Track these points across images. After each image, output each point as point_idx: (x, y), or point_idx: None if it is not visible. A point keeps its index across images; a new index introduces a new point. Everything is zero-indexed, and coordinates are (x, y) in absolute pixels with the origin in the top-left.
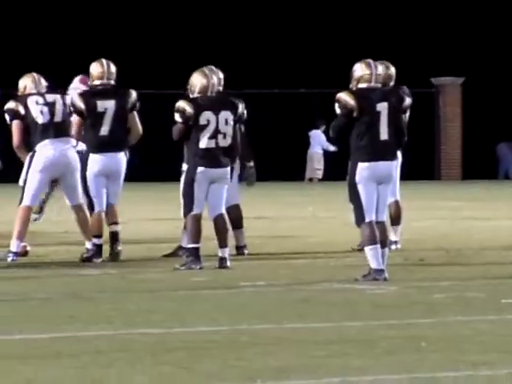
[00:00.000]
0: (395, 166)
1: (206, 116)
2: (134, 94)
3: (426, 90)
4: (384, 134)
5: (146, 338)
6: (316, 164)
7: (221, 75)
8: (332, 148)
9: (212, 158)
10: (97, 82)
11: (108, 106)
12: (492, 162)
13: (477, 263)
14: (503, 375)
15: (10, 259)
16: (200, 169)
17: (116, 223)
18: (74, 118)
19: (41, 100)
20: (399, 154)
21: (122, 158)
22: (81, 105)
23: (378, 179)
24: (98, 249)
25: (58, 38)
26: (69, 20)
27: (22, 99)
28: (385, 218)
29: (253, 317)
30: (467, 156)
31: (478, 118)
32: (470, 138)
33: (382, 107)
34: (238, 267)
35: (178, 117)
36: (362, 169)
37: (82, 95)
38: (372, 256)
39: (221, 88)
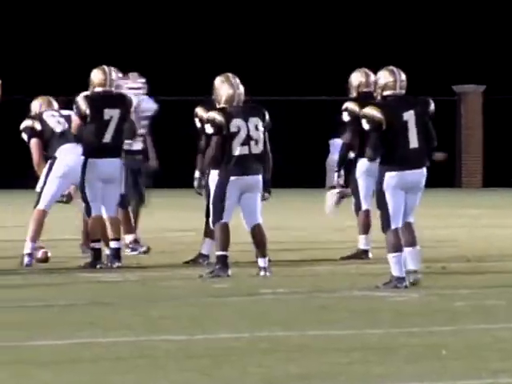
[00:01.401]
0: (425, 173)
1: (236, 123)
2: (132, 101)
3: (447, 98)
4: (413, 143)
5: (167, 344)
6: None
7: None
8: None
9: (245, 166)
10: (98, 89)
11: (113, 114)
12: None
13: (497, 271)
14: None
15: (25, 262)
16: (233, 178)
17: (118, 239)
18: (75, 120)
19: (56, 113)
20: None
21: (119, 164)
22: (86, 110)
23: (406, 187)
24: (98, 253)
25: (67, 47)
26: (80, 29)
27: (37, 116)
28: (412, 219)
29: (273, 324)
30: (488, 164)
31: (500, 126)
32: (491, 146)
33: (409, 115)
34: (257, 275)
35: (209, 127)
36: (390, 177)
37: (90, 101)
38: (395, 263)
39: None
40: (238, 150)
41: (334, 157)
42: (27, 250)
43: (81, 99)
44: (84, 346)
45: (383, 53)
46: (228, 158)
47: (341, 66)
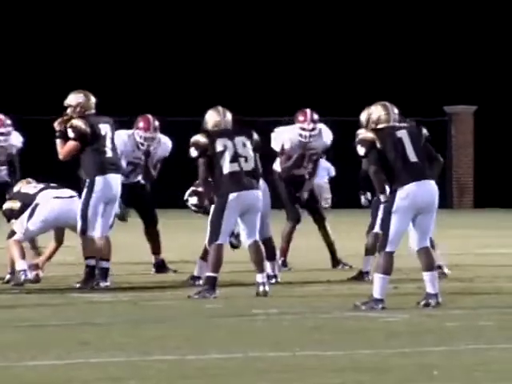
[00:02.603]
0: (436, 190)
1: (222, 142)
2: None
3: (439, 119)
4: (413, 158)
5: (160, 364)
6: (325, 193)
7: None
8: (333, 173)
9: (239, 182)
10: (87, 112)
11: (106, 129)
12: (506, 190)
13: (488, 292)
14: None
15: (21, 279)
16: (232, 195)
17: (107, 260)
18: (70, 144)
19: None
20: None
21: (119, 182)
22: (86, 129)
23: (418, 207)
24: (92, 270)
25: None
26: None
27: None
28: (427, 243)
29: (266, 344)
30: (479, 184)
31: (491, 146)
32: (482, 166)
33: (402, 133)
34: (250, 295)
35: (193, 150)
36: (401, 199)
37: (85, 119)
38: (378, 285)
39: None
40: (228, 168)
41: (321, 179)
42: (20, 267)
43: (79, 122)
44: (76, 367)
45: (376, 75)
46: (220, 177)
47: (334, 88)
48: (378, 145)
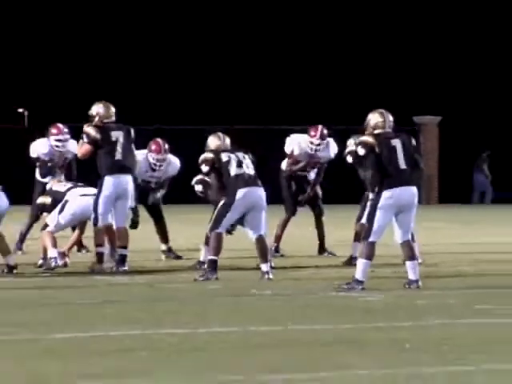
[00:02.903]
0: (415, 192)
1: (226, 154)
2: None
3: (408, 128)
4: (402, 165)
5: (171, 337)
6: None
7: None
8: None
9: (245, 180)
10: (106, 120)
11: (118, 136)
12: (465, 188)
13: (453, 275)
14: (475, 370)
15: (52, 264)
16: (240, 191)
17: (125, 247)
18: (84, 147)
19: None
20: None
21: (130, 180)
22: (97, 135)
23: (400, 206)
24: (101, 256)
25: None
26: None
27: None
28: (409, 237)
29: (261, 320)
30: (443, 183)
31: (453, 151)
32: (446, 168)
33: (396, 142)
34: (247, 278)
35: (204, 166)
36: (386, 198)
37: (98, 128)
38: (361, 268)
39: None
40: (234, 171)
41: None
42: (52, 254)
43: (91, 129)
44: (97, 339)
45: (351, 88)
46: (228, 178)
47: (313, 98)
48: (377, 149)
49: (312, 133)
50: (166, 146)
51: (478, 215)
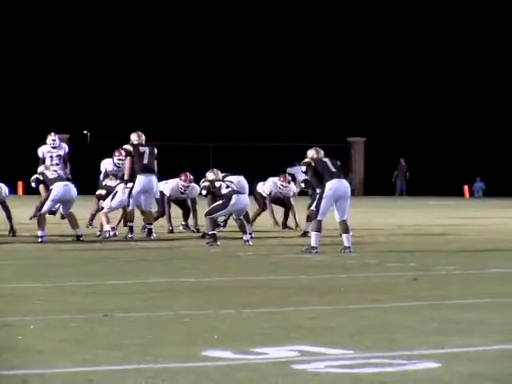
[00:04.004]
0: (347, 185)
1: (218, 182)
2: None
3: (343, 145)
4: (333, 168)
5: (184, 283)
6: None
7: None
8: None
9: (236, 192)
10: (135, 142)
11: (145, 150)
12: (386, 185)
13: (372, 242)
14: (388, 307)
15: (108, 235)
16: (234, 197)
17: (151, 223)
18: (127, 161)
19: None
20: None
21: (154, 178)
22: (129, 148)
23: (338, 196)
24: (131, 228)
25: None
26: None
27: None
28: (345, 217)
29: (246, 272)
30: (367, 183)
31: (376, 164)
32: (370, 174)
33: (326, 159)
34: (235, 245)
35: (203, 191)
36: (328, 189)
37: (131, 146)
38: (313, 238)
39: None
40: (225, 191)
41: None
42: (106, 228)
43: (128, 146)
44: (134, 285)
45: (298, 115)
46: (222, 195)
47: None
48: (313, 164)
49: (282, 178)
50: (191, 177)
51: (396, 204)
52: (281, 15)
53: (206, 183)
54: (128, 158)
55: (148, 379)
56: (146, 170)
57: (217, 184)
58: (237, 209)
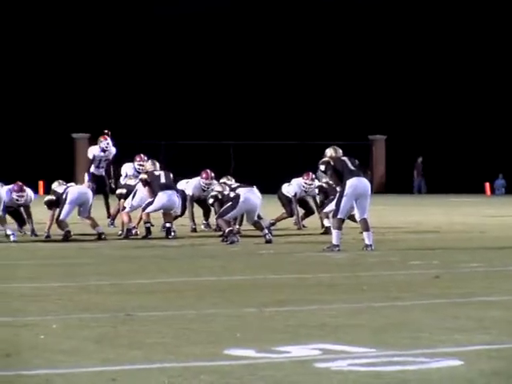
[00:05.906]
0: (368, 184)
1: (227, 191)
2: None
3: (365, 143)
4: (352, 166)
5: (203, 282)
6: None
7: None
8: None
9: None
10: (150, 169)
11: (160, 173)
12: (405, 183)
13: (395, 240)
14: (410, 305)
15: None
16: (242, 197)
17: (170, 222)
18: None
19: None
20: None
21: (171, 193)
22: (144, 176)
23: (358, 194)
24: (149, 229)
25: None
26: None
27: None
28: (365, 216)
29: (268, 270)
30: (388, 181)
31: (396, 161)
32: (391, 171)
33: (345, 158)
34: (256, 242)
35: (211, 200)
36: (349, 187)
37: (146, 173)
38: (335, 236)
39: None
40: (233, 195)
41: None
42: (128, 227)
43: (143, 175)
44: (156, 284)
45: (320, 114)
46: (231, 198)
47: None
48: (332, 162)
49: (305, 176)
50: (212, 175)
51: (415, 202)
52: (301, 12)
53: (214, 193)
54: (146, 187)
55: (171, 378)
56: (165, 187)
57: (225, 192)
58: (248, 206)
